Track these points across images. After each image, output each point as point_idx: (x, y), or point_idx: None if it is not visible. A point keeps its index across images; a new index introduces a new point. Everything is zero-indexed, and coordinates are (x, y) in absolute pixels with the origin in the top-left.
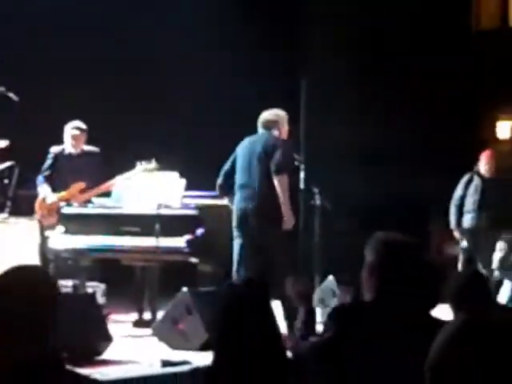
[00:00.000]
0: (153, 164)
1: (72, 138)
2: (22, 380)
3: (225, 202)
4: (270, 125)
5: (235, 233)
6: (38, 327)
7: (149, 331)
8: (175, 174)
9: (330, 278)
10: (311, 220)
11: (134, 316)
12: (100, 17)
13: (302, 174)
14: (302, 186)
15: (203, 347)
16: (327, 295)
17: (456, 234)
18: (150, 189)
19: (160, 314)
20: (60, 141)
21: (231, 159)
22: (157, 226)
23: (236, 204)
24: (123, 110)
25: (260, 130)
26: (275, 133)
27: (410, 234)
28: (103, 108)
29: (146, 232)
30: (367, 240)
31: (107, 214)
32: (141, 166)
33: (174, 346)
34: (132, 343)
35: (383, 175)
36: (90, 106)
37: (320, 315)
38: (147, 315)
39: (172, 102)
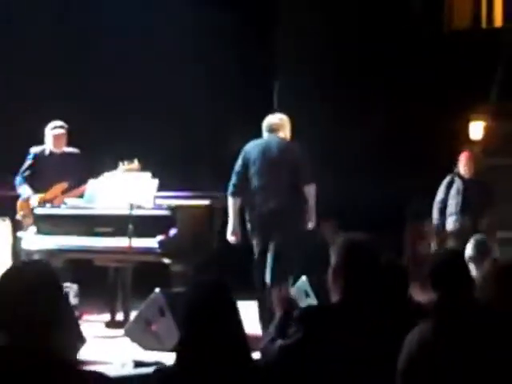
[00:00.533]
0: (135, 164)
1: (54, 137)
2: (29, 381)
3: (199, 202)
4: (276, 128)
5: (253, 236)
6: (41, 327)
7: (121, 332)
8: (147, 175)
9: (303, 278)
10: None
11: (107, 317)
12: (75, 19)
13: None
14: None
15: (176, 348)
16: (300, 296)
17: (440, 236)
18: (122, 189)
19: (133, 315)
20: (33, 142)
21: (242, 162)
22: (129, 227)
23: (256, 205)
24: (96, 112)
25: (265, 133)
26: (281, 136)
27: (387, 235)
28: (77, 110)
29: (119, 232)
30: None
31: (80, 214)
32: (123, 166)
33: (146, 346)
34: (105, 344)
35: (358, 176)
36: (64, 108)
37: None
38: (120, 316)
39: (145, 104)
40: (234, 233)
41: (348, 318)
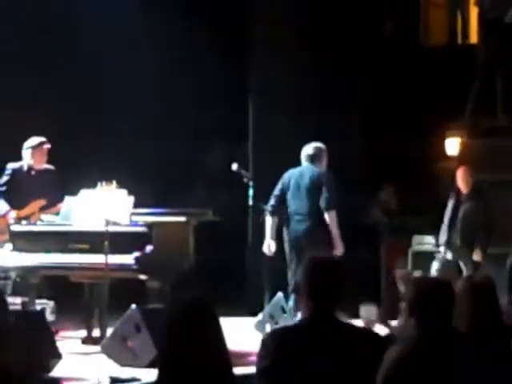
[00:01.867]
0: (113, 185)
1: (41, 152)
2: None
3: (175, 218)
4: (312, 158)
5: (289, 256)
6: None
7: (98, 348)
8: (123, 192)
9: (280, 294)
10: (260, 237)
11: (83, 333)
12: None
13: (250, 191)
14: (250, 202)
15: (152, 364)
16: (277, 311)
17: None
18: (98, 206)
19: (109, 331)
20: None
21: (280, 186)
22: (105, 243)
23: (290, 227)
24: (69, 131)
25: (304, 162)
26: (315, 164)
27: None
28: (50, 128)
29: (95, 249)
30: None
31: (56, 231)
32: (101, 187)
33: (122, 363)
34: (81, 360)
35: (338, 191)
36: (37, 126)
37: None
38: (96, 332)
39: (120, 121)
40: (269, 246)
41: (316, 337)
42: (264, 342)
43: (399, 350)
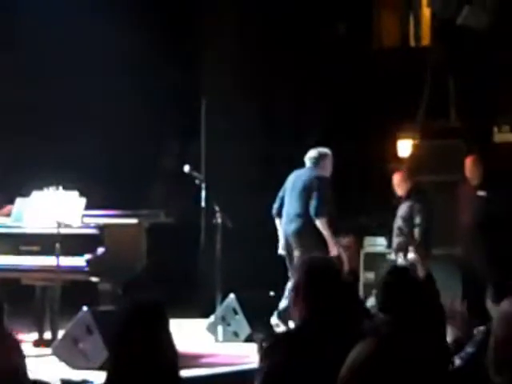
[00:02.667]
0: (60, 191)
1: None
2: None
3: (127, 220)
4: (313, 162)
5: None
6: None
7: (49, 351)
8: (75, 193)
9: (232, 296)
10: (213, 238)
11: (35, 335)
12: None
13: (203, 193)
14: (203, 204)
15: (103, 366)
16: (228, 313)
17: None
18: (49, 208)
19: (61, 334)
20: None
21: (283, 187)
22: (57, 245)
23: (282, 227)
24: (21, 134)
25: (306, 164)
26: (318, 170)
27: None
28: None
29: (46, 251)
30: (268, 258)
31: (7, 233)
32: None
33: (74, 365)
34: (32, 363)
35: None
36: None
37: (221, 333)
38: (48, 335)
39: (72, 123)
40: (282, 248)
41: (312, 342)
42: (263, 351)
43: (357, 353)
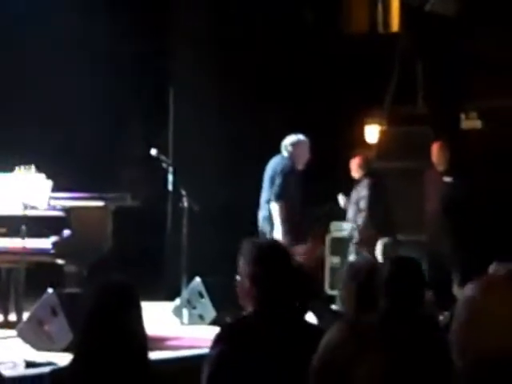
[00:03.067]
0: (32, 169)
1: None
2: None
3: (93, 203)
4: (284, 149)
5: None
6: None
7: (14, 332)
8: (41, 176)
9: (197, 279)
10: (179, 222)
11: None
12: None
13: (170, 177)
14: (170, 188)
15: (68, 348)
16: (194, 297)
17: None
18: (16, 190)
19: (26, 316)
20: None
21: None
22: (23, 227)
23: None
24: None
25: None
26: (290, 156)
27: None
28: None
29: (12, 233)
30: (234, 242)
31: None
32: (19, 171)
33: (38, 347)
34: None
35: (250, 177)
36: None
37: (186, 317)
38: (12, 316)
39: (39, 107)
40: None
41: (265, 329)
42: (216, 335)
43: (328, 339)
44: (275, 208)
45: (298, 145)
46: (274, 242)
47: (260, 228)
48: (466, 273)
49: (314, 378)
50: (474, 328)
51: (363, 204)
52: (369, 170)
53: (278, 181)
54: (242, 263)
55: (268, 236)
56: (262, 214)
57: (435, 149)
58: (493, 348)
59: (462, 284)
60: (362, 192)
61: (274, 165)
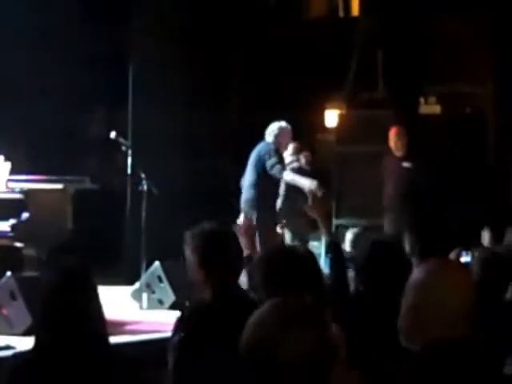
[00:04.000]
0: None
1: None
2: None
3: (52, 186)
4: (268, 135)
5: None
6: None
7: None
8: None
9: (157, 263)
10: (138, 205)
11: None
12: None
13: (129, 160)
14: (129, 171)
15: (27, 332)
16: (153, 281)
17: None
18: None
19: None
20: None
21: None
22: None
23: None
24: None
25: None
26: (268, 140)
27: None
28: None
29: None
30: (193, 225)
31: None
32: None
33: None
34: None
35: (209, 161)
36: None
37: (145, 301)
38: None
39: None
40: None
41: (223, 312)
42: (177, 319)
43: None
44: (289, 176)
45: (282, 131)
46: (214, 228)
47: (243, 211)
48: (424, 258)
49: (243, 354)
50: (420, 313)
51: (282, 190)
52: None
53: (268, 162)
54: (187, 252)
55: (253, 219)
56: (244, 197)
57: (392, 134)
58: (438, 336)
59: None
60: None
61: (258, 150)
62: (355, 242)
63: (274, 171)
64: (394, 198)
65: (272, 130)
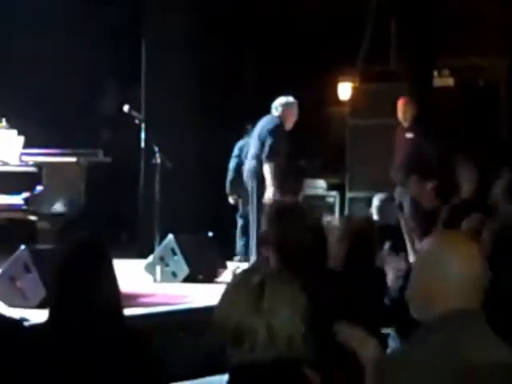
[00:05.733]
0: (2, 123)
1: None
2: None
3: (65, 159)
4: (274, 109)
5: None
6: None
7: None
8: (13, 132)
9: (170, 236)
10: (152, 178)
11: None
12: None
13: (142, 134)
14: (142, 144)
15: (41, 305)
16: (167, 254)
17: None
18: None
19: None
20: None
21: None
22: None
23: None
24: None
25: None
26: (279, 117)
27: None
28: None
29: None
30: (206, 198)
31: None
32: None
33: (11, 303)
34: None
35: (223, 133)
36: None
37: (159, 274)
38: None
39: (12, 62)
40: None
41: None
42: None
43: None
44: (267, 168)
45: (288, 106)
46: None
47: (244, 179)
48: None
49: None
50: (432, 286)
51: None
52: None
53: (268, 141)
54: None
55: (249, 187)
56: (247, 166)
57: (400, 105)
58: (450, 308)
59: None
60: None
61: (264, 123)
62: (382, 208)
63: (264, 154)
64: (397, 168)
65: (279, 103)
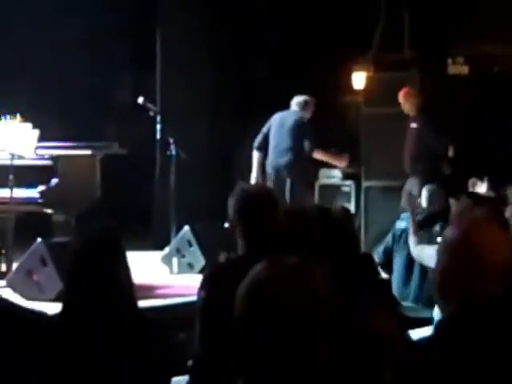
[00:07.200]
0: (17, 119)
1: None
2: None
3: (80, 152)
4: (300, 106)
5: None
6: None
7: (4, 283)
8: (28, 125)
9: (186, 228)
10: (167, 170)
11: None
12: None
13: (157, 125)
14: (158, 136)
15: (58, 298)
16: (183, 245)
17: None
18: (2, 139)
19: (15, 266)
20: None
21: (268, 124)
22: (10, 177)
23: (271, 160)
24: None
25: (293, 107)
26: (303, 113)
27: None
28: None
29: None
30: (222, 189)
31: None
32: (4, 120)
33: (28, 296)
34: None
35: (237, 125)
36: None
37: (175, 265)
38: (2, 267)
39: (25, 53)
40: (255, 180)
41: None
42: (204, 277)
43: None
44: (321, 155)
45: (310, 103)
46: (262, 187)
47: (277, 174)
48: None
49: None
50: (457, 272)
51: None
52: None
53: (311, 135)
54: (231, 205)
55: (288, 181)
56: (284, 160)
57: (401, 96)
58: (481, 294)
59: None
60: None
61: (294, 117)
62: (431, 197)
63: (308, 148)
64: (404, 158)
65: (304, 101)
